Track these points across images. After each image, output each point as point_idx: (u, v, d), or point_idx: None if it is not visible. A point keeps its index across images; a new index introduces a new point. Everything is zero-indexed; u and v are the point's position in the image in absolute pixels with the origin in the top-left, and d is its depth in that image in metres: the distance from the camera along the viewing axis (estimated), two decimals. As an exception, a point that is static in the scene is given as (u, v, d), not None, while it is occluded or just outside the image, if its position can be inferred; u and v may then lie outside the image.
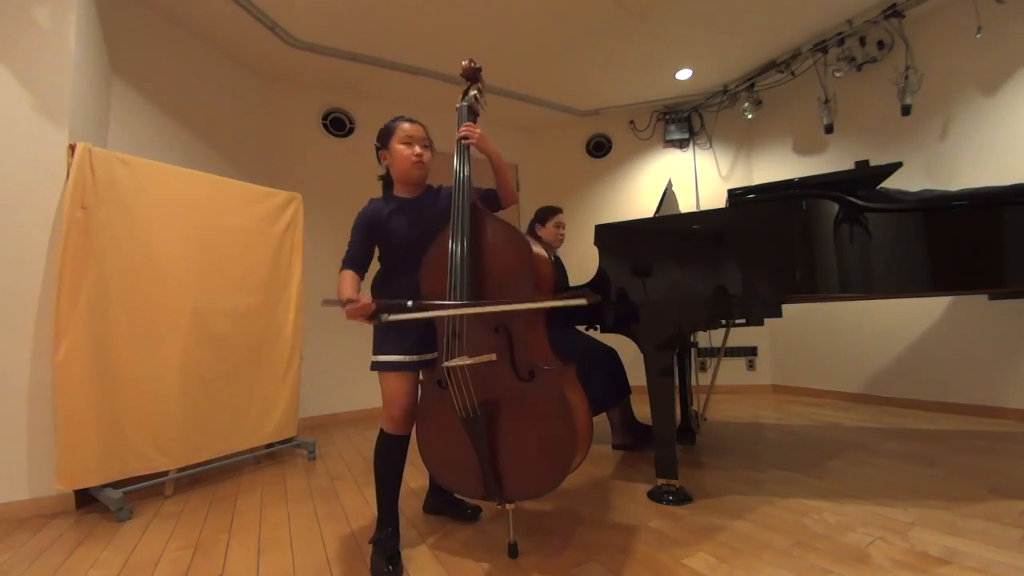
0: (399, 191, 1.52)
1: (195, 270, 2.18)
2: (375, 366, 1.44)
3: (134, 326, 1.98)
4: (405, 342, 1.41)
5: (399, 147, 1.45)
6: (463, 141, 1.45)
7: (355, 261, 1.45)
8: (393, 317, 1.27)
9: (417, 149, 1.45)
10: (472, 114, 1.54)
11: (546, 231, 2.64)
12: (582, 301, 1.12)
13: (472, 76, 1.57)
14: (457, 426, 1.34)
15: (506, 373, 1.32)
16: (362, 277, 1.47)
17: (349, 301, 1.26)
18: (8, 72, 1.93)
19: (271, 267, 2.52)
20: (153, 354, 2.03)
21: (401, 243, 1.46)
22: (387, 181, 1.54)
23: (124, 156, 2.03)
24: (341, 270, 1.44)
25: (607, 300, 1.81)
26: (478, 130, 1.46)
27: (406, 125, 1.46)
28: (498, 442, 1.33)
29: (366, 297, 1.29)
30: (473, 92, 1.56)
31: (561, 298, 1.19)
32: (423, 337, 1.43)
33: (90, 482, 1.85)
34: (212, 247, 2.26)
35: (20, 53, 1.95)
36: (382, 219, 1.47)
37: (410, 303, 1.28)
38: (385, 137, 1.48)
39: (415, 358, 1.43)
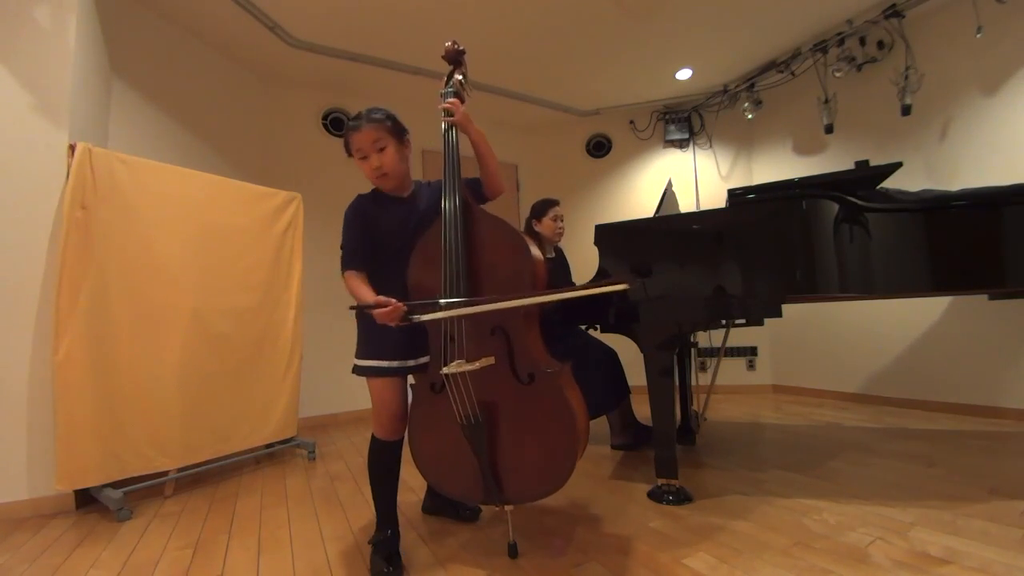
0: (387, 191, 1.44)
1: (195, 270, 2.18)
2: (358, 371, 1.38)
3: (134, 326, 1.98)
4: (391, 346, 1.35)
5: (358, 163, 1.36)
6: (446, 118, 1.36)
7: (357, 260, 1.36)
8: (425, 317, 1.22)
9: (373, 162, 1.33)
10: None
11: (543, 226, 2.56)
12: (624, 286, 1.16)
13: (456, 59, 1.48)
14: (454, 431, 1.30)
15: (506, 377, 1.28)
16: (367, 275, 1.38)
17: (379, 304, 1.18)
18: (8, 72, 1.93)
19: (271, 267, 2.52)
20: (153, 354, 2.03)
21: (392, 243, 1.38)
22: None
23: (124, 156, 2.03)
24: (345, 272, 1.35)
25: (607, 300, 1.81)
26: (462, 107, 1.37)
27: (353, 137, 1.33)
28: (499, 447, 1.30)
29: (393, 300, 1.20)
30: (458, 76, 1.47)
31: (599, 285, 1.21)
32: (410, 341, 1.36)
33: (90, 482, 1.85)
34: (212, 247, 2.26)
35: (20, 53, 1.95)
36: (373, 215, 1.38)
37: (442, 301, 1.24)
38: (348, 149, 1.37)
39: (401, 363, 1.37)
